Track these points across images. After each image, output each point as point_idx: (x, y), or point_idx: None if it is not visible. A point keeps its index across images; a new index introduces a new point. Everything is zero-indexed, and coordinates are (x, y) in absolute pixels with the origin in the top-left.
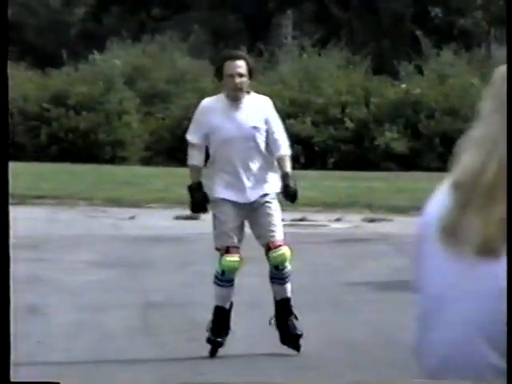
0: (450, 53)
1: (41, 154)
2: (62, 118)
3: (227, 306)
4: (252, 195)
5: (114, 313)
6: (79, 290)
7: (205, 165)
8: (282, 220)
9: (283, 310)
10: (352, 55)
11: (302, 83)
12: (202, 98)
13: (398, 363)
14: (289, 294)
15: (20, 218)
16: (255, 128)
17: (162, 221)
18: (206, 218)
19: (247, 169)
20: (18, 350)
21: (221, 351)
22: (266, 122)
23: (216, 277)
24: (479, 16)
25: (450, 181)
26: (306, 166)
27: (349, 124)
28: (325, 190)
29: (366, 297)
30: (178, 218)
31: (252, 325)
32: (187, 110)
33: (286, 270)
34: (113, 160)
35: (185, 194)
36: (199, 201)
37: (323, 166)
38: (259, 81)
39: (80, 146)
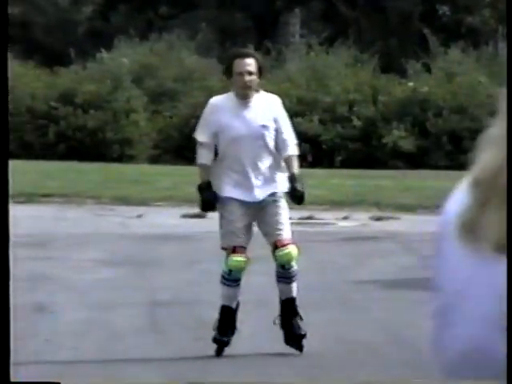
0: (457, 51)
1: (48, 153)
2: (69, 117)
3: (234, 306)
4: (260, 194)
5: (122, 311)
6: (87, 288)
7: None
8: (290, 218)
9: (288, 310)
10: (360, 53)
11: (309, 82)
12: (210, 96)
13: (406, 361)
14: (294, 294)
15: (28, 216)
16: (264, 127)
17: (170, 219)
18: (214, 216)
19: (256, 168)
20: (26, 349)
21: (228, 350)
22: (275, 121)
23: (223, 276)
24: (487, 14)
25: (469, 179)
26: (313, 165)
27: (356, 122)
28: (332, 188)
29: (374, 295)
30: (185, 216)
31: (259, 323)
32: (195, 109)
33: (292, 269)
34: (120, 158)
35: (192, 192)
36: (209, 200)
37: (331, 165)
38: (267, 79)
39: (88, 144)
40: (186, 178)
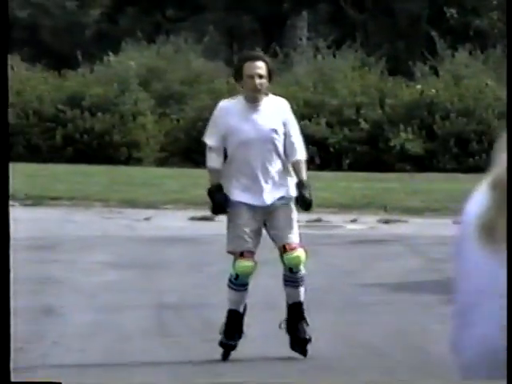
0: (465, 53)
1: (56, 156)
2: (77, 120)
3: (241, 310)
4: (269, 198)
5: (129, 314)
6: (94, 290)
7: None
8: (298, 221)
9: (295, 314)
10: (367, 56)
11: (316, 84)
12: (217, 99)
13: (413, 364)
14: (301, 298)
15: (36, 219)
16: (274, 130)
17: (177, 222)
18: (221, 218)
19: (266, 171)
20: (34, 351)
21: (236, 353)
22: (284, 125)
23: (230, 280)
24: (495, 17)
25: (488, 180)
26: (321, 167)
27: (364, 125)
28: (340, 191)
29: (381, 298)
30: (192, 219)
31: (266, 326)
32: (202, 111)
33: (300, 273)
34: (128, 161)
35: (200, 194)
36: (220, 202)
37: (338, 167)
38: (274, 82)
39: (95, 147)
40: (194, 180)
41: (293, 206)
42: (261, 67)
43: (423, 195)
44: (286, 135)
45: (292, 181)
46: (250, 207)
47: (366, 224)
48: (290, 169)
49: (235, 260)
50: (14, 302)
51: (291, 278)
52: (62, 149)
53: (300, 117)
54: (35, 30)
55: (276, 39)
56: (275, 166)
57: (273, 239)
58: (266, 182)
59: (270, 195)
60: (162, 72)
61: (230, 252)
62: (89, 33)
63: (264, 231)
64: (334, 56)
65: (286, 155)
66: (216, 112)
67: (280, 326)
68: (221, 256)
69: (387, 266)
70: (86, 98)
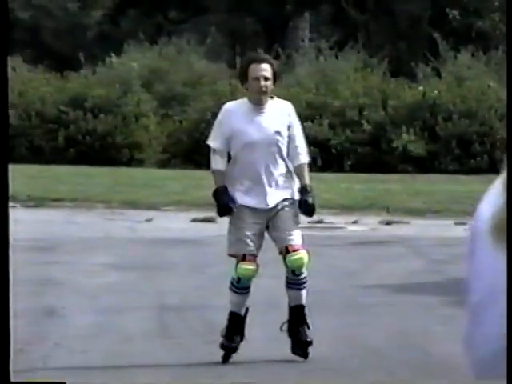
0: (467, 55)
1: (58, 157)
2: (79, 121)
3: (242, 313)
4: (272, 201)
5: (131, 315)
6: (96, 292)
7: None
8: (299, 222)
9: (297, 317)
10: (369, 58)
11: (318, 86)
12: (219, 100)
13: (415, 365)
14: (304, 301)
15: (38, 220)
16: (278, 133)
17: (179, 223)
18: (223, 220)
19: (269, 174)
20: (35, 353)
21: (237, 354)
22: (289, 128)
23: (232, 283)
24: (497, 18)
25: (501, 180)
26: (322, 169)
27: (366, 126)
28: (342, 192)
29: (383, 299)
30: (194, 220)
31: (268, 327)
32: (204, 113)
33: (302, 275)
34: (130, 163)
35: (202, 196)
36: (226, 204)
37: (340, 169)
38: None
39: (97, 148)
40: (196, 182)
41: (296, 208)
42: (266, 69)
43: (425, 196)
44: (290, 138)
45: (295, 183)
46: (253, 210)
47: (368, 225)
48: (294, 172)
49: (237, 263)
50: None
51: (294, 280)
52: (64, 150)
53: (302, 118)
54: (37, 32)
55: (278, 41)
56: (279, 169)
57: (275, 241)
58: (270, 184)
59: (273, 198)
60: (164, 73)
61: (231, 255)
62: (91, 34)
63: (266, 233)
64: (336, 57)
65: (289, 159)
66: (220, 114)
67: (281, 328)
68: (222, 258)
69: (389, 267)
70: (89, 99)
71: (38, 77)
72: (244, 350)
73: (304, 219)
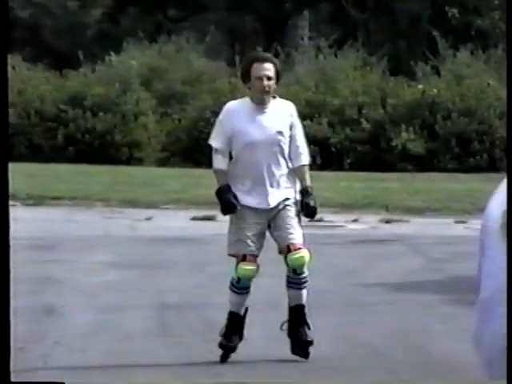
0: (466, 53)
1: (57, 155)
2: (78, 120)
3: (241, 312)
4: (273, 201)
5: (131, 314)
6: (96, 290)
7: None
8: (301, 222)
9: (297, 317)
10: (368, 56)
11: (318, 84)
12: (219, 99)
13: (414, 364)
14: (304, 301)
15: (37, 218)
16: (280, 133)
17: (179, 222)
18: (223, 219)
19: (271, 174)
20: (35, 351)
21: (237, 353)
22: (290, 128)
23: (232, 283)
24: (496, 16)
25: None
26: (322, 167)
27: (365, 125)
28: (341, 190)
29: (382, 298)
30: (194, 218)
31: (268, 326)
32: (203, 111)
33: (303, 274)
34: (129, 161)
35: (201, 194)
36: (229, 202)
37: (339, 167)
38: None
39: (96, 147)
40: (195, 180)
41: (297, 207)
42: (269, 69)
43: (425, 195)
44: (292, 139)
45: (296, 183)
46: (255, 210)
47: (368, 224)
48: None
49: (237, 263)
50: (15, 302)
51: (295, 279)
52: (63, 149)
53: (302, 117)
54: (37, 30)
55: (278, 39)
56: (280, 169)
57: (276, 240)
58: (271, 184)
59: (274, 198)
60: (163, 72)
61: (231, 255)
62: (90, 33)
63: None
64: (336, 56)
65: (290, 159)
66: (222, 114)
67: (281, 328)
68: (222, 256)
69: (388, 265)
70: (88, 97)
71: (38, 75)
72: (244, 349)
73: (303, 217)
